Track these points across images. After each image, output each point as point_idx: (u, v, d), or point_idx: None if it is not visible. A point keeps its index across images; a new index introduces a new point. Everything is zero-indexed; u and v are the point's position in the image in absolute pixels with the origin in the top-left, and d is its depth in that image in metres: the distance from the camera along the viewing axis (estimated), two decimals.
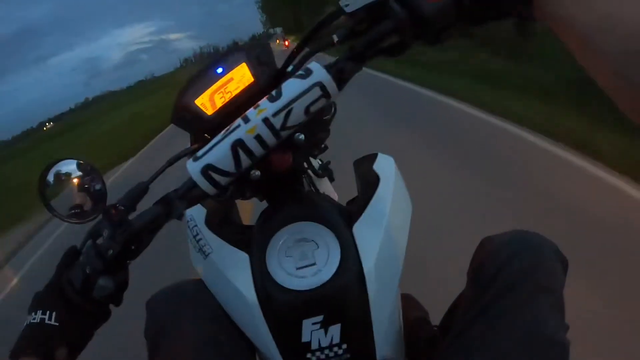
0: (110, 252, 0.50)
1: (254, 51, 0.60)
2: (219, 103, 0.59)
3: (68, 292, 0.50)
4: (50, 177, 0.57)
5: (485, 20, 0.51)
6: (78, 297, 0.50)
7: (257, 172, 0.54)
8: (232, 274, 0.56)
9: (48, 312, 0.49)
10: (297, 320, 0.52)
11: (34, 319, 0.49)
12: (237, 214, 0.72)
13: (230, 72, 0.59)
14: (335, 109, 0.60)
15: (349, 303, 0.52)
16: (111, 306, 0.53)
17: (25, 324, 0.50)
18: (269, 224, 0.58)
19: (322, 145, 0.65)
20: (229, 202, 0.61)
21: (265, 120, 0.49)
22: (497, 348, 0.52)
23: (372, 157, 0.66)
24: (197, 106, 0.59)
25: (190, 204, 0.54)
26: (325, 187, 0.85)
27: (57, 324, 0.49)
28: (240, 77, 0.58)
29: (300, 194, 0.65)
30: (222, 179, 0.51)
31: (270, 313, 0.53)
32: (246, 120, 0.50)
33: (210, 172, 0.50)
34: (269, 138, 0.50)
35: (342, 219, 0.57)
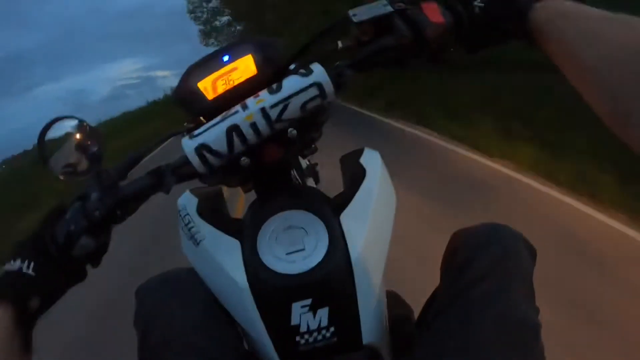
0: (97, 213, 0.51)
1: (262, 45, 0.62)
2: (221, 89, 0.60)
3: (49, 246, 0.51)
4: (52, 133, 0.57)
5: (485, 45, 0.56)
6: (58, 252, 0.51)
7: (247, 160, 0.56)
8: (223, 259, 0.56)
9: (27, 262, 0.50)
10: (287, 303, 0.52)
11: (12, 266, 0.50)
12: (226, 208, 0.72)
13: (235, 62, 0.61)
14: (329, 113, 0.62)
15: (337, 287, 0.53)
16: None
17: (3, 269, 0.50)
18: (260, 212, 0.59)
19: (313, 146, 0.67)
20: (216, 184, 0.61)
21: (262, 110, 0.51)
22: (471, 334, 0.52)
23: (359, 152, 0.68)
24: (199, 89, 0.61)
25: (180, 179, 0.55)
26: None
27: (34, 274, 0.49)
28: (245, 67, 0.61)
29: (289, 184, 0.66)
30: (214, 160, 0.52)
31: (261, 297, 0.53)
32: (245, 107, 0.52)
33: (204, 151, 0.52)
34: (264, 128, 0.52)
35: (330, 208, 0.59)
